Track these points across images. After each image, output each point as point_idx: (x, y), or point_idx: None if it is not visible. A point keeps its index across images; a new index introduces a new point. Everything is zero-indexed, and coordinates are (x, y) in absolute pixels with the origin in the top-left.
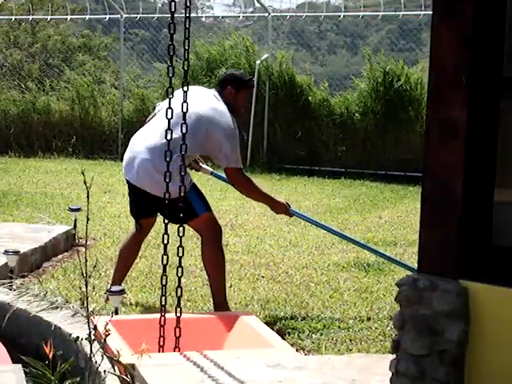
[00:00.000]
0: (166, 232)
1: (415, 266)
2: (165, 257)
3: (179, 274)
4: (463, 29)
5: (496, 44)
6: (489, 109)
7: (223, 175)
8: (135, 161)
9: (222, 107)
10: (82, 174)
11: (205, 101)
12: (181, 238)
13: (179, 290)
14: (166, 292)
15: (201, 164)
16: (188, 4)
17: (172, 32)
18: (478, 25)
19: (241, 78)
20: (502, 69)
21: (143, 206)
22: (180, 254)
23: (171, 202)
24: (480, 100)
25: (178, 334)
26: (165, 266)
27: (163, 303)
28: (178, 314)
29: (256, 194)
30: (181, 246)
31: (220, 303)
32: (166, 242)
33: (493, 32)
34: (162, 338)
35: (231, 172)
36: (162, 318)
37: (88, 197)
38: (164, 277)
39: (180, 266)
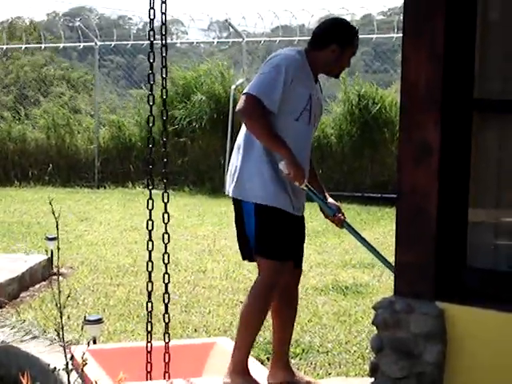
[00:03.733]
0: (149, 259)
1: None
2: (149, 284)
3: (165, 301)
4: (434, 50)
5: (467, 65)
6: (461, 129)
7: (316, 193)
8: None
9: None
10: (50, 204)
11: None
12: (166, 265)
13: (167, 317)
14: (151, 319)
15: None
16: (164, 32)
17: (152, 61)
18: (448, 47)
19: (348, 32)
20: (473, 90)
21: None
22: (166, 281)
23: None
24: (452, 121)
25: (167, 360)
26: (150, 293)
27: (149, 330)
28: (167, 340)
29: (261, 135)
30: (166, 272)
31: (233, 363)
32: (150, 269)
33: (463, 53)
34: (148, 365)
35: (241, 98)
36: (148, 344)
37: (57, 228)
38: (149, 304)
39: (166, 292)
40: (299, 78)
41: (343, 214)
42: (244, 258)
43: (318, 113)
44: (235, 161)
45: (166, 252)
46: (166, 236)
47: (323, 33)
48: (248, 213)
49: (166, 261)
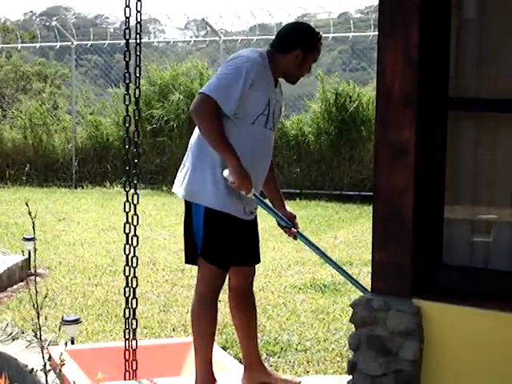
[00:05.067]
0: (127, 263)
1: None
2: (127, 288)
3: (133, 306)
4: (409, 50)
5: (442, 64)
6: (436, 128)
7: (265, 202)
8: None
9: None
10: (26, 204)
11: None
12: (134, 268)
13: (134, 322)
14: (130, 324)
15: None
16: (139, 31)
17: (128, 60)
18: (423, 46)
19: (313, 38)
20: (448, 88)
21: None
22: (134, 285)
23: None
24: (428, 120)
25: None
26: (127, 298)
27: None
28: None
29: (210, 138)
30: (134, 276)
31: (198, 373)
32: (128, 273)
33: (438, 53)
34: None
35: (196, 97)
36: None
37: (34, 229)
38: (127, 308)
39: (134, 296)
40: (259, 83)
41: (296, 226)
42: (187, 262)
43: (277, 116)
44: (188, 161)
45: (134, 255)
46: (134, 239)
47: (288, 37)
48: (197, 213)
49: (134, 264)
